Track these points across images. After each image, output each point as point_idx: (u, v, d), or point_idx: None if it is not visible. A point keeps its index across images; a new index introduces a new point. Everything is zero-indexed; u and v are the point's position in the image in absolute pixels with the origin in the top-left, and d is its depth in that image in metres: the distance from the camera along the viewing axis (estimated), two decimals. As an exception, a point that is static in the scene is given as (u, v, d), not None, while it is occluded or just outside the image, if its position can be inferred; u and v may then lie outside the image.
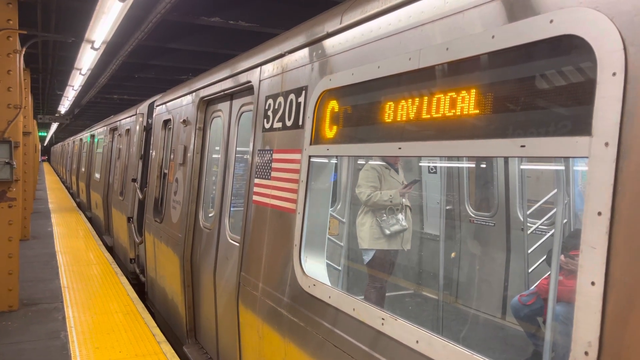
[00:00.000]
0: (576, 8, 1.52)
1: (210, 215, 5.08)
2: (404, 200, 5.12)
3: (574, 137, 1.49)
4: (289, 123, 3.28)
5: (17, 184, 6.31)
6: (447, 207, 6.22)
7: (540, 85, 1.70)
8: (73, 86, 12.84)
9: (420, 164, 6.70)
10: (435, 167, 6.63)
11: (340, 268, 5.37)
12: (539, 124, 1.66)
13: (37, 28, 7.75)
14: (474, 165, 6.53)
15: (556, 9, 1.59)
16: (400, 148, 2.24)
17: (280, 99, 3.42)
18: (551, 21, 1.58)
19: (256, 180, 3.67)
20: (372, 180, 5.02)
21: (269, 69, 3.69)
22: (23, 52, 7.07)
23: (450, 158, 5.87)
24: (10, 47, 6.25)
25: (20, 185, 7.39)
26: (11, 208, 6.20)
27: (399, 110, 2.29)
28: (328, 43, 2.94)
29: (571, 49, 1.57)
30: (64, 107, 19.19)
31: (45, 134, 47.79)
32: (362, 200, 4.99)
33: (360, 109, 2.68)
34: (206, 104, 5.23)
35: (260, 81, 3.81)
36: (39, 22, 7.58)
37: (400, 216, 5.05)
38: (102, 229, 12.30)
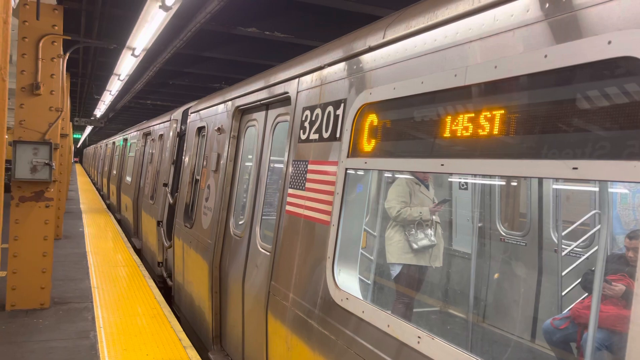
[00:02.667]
0: (637, 30, 1.49)
1: (240, 223, 5.12)
2: (434, 216, 5.08)
3: (631, 161, 1.45)
4: (325, 135, 3.29)
5: (54, 184, 6.49)
6: (478, 225, 6.12)
7: (594, 107, 1.67)
8: (110, 91, 13.19)
9: (450, 180, 6.63)
10: (466, 183, 6.55)
11: (369, 282, 5.33)
12: (593, 146, 1.62)
13: (80, 34, 8.00)
14: (504, 183, 6.42)
15: (614, 30, 1.56)
16: (442, 165, 2.23)
17: (318, 111, 3.44)
18: (609, 42, 1.55)
19: (290, 191, 3.68)
20: (402, 196, 5.00)
21: (307, 80, 3.72)
22: (66, 58, 7.30)
23: (483, 175, 5.79)
24: (55, 52, 6.47)
25: (57, 185, 7.59)
26: (48, 208, 6.38)
27: (442, 126, 2.28)
28: (369, 57, 2.95)
29: (630, 71, 1.54)
30: (99, 110, 19.72)
31: (79, 136, 49.06)
32: (392, 216, 4.97)
33: (401, 124, 2.67)
34: (241, 113, 5.29)
35: (297, 92, 3.84)
36: (82, 28, 7.82)
37: (430, 231, 5.00)
38: (131, 232, 12.51)
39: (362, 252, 5.40)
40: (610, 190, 4.67)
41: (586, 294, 4.38)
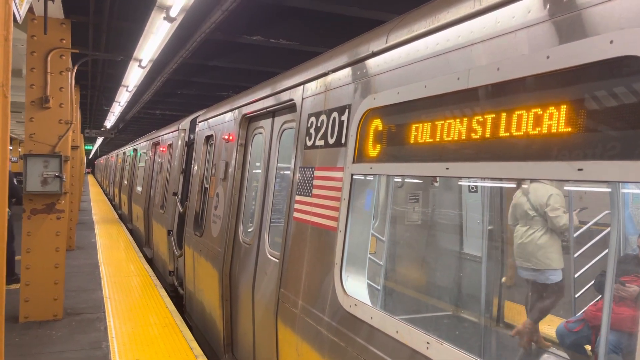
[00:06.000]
0: (639, 29, 1.47)
1: (249, 230, 5.13)
2: None
3: (637, 161, 1.43)
4: (331, 141, 3.29)
5: (65, 196, 6.55)
6: (489, 228, 6.07)
7: (598, 107, 1.65)
8: (119, 102, 13.33)
9: (459, 183, 6.58)
10: (475, 186, 6.50)
11: (379, 287, 5.30)
12: (598, 147, 1.60)
13: (88, 47, 8.10)
14: (514, 186, 6.36)
15: (616, 29, 1.54)
16: (447, 168, 2.21)
17: (323, 117, 3.44)
18: (611, 42, 1.54)
19: (297, 197, 3.68)
20: (564, 206, 5.19)
21: (312, 87, 3.72)
22: (75, 71, 7.38)
23: (488, 177, 5.75)
24: (63, 65, 6.55)
25: (68, 197, 7.67)
26: (59, 220, 6.43)
27: (446, 130, 2.27)
28: (373, 62, 2.95)
29: (633, 71, 1.52)
30: (109, 122, 19.92)
31: (91, 147, 49.60)
32: (559, 224, 5.09)
33: (406, 128, 2.66)
34: (248, 121, 5.31)
35: (302, 99, 3.85)
36: (90, 41, 7.92)
37: None
38: (143, 241, 12.58)
39: (371, 258, 5.39)
40: (623, 190, 4.61)
41: (600, 296, 4.32)
